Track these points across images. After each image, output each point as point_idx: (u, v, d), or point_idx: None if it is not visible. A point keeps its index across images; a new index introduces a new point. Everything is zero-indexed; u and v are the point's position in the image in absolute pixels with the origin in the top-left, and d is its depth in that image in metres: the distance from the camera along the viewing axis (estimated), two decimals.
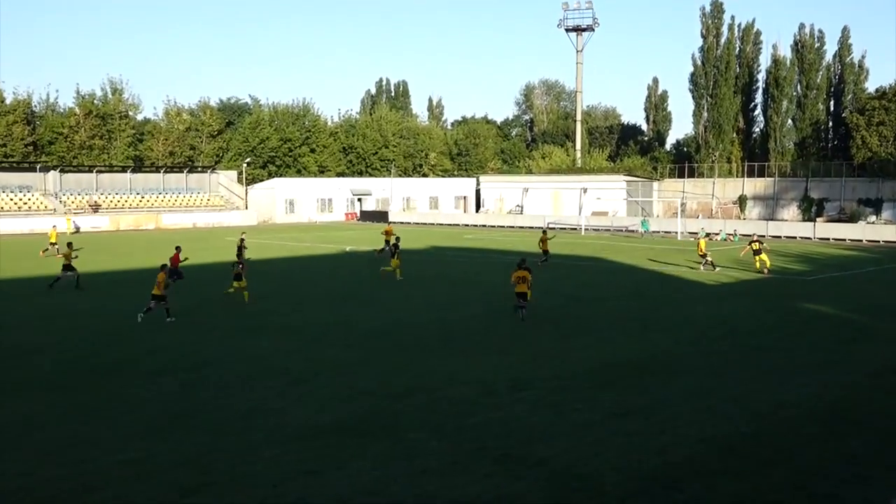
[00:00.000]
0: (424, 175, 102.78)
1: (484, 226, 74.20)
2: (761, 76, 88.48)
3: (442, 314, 23.52)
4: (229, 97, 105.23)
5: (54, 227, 49.19)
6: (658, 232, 59.53)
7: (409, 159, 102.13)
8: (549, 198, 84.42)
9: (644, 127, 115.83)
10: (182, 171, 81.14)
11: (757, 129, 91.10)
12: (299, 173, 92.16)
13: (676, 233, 58.76)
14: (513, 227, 72.86)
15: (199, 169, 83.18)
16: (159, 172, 79.41)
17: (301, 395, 14.70)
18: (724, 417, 13.26)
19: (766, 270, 34.16)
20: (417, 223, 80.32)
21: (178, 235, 60.98)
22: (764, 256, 34.66)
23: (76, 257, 31.59)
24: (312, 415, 13.49)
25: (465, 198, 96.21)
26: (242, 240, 35.53)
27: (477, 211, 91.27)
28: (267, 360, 17.52)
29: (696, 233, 58.76)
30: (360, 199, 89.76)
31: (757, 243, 34.80)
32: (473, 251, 43.57)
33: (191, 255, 37.97)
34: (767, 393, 14.80)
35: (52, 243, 43.84)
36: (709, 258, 35.23)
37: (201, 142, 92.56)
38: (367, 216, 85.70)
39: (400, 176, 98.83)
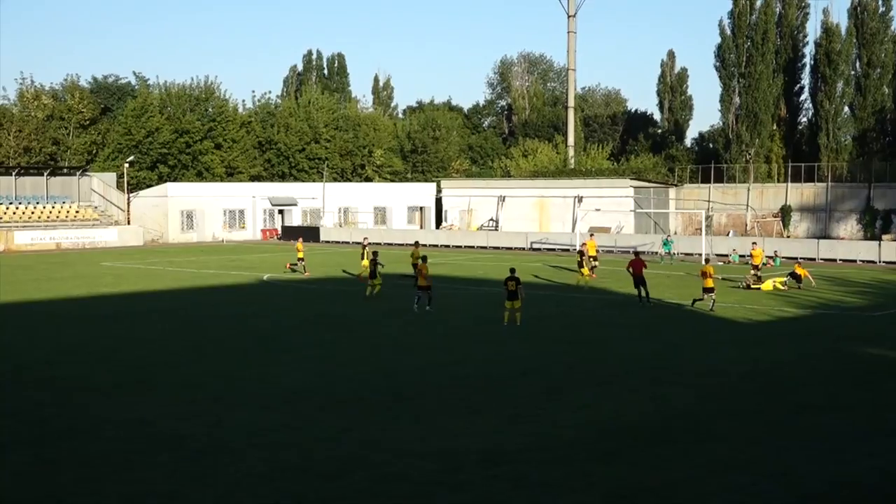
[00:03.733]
0: (368, 179, 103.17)
1: (447, 246, 74.54)
2: (809, 50, 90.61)
3: (390, 363, 23.54)
4: (106, 75, 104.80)
5: None
6: (676, 254, 60.29)
7: (348, 158, 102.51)
8: (533, 209, 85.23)
9: (657, 116, 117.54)
10: (41, 174, 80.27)
11: (804, 120, 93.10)
12: (201, 177, 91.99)
13: (700, 255, 59.46)
14: (485, 247, 73.27)
15: (65, 170, 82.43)
16: (10, 175, 78.46)
17: (201, 475, 14.54)
18: (765, 501, 13.34)
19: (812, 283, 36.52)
20: (358, 243, 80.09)
21: (34, 259, 60.20)
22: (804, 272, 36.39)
23: None
24: (216, 503, 13.34)
25: (421, 209, 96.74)
26: (375, 253, 39.32)
27: (438, 226, 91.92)
28: (154, 427, 17.38)
29: (726, 255, 59.59)
30: (281, 212, 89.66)
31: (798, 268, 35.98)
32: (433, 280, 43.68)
33: (50, 288, 37.48)
34: (820, 466, 14.97)
35: None
36: (748, 279, 35.89)
37: (68, 134, 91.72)
38: (291, 233, 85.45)
39: (335, 180, 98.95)
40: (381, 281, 37.93)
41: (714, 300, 33.92)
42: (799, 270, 41.69)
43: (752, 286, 40.85)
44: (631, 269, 36.22)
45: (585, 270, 42.47)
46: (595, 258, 48.04)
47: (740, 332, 29.31)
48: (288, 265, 50.78)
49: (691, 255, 62.57)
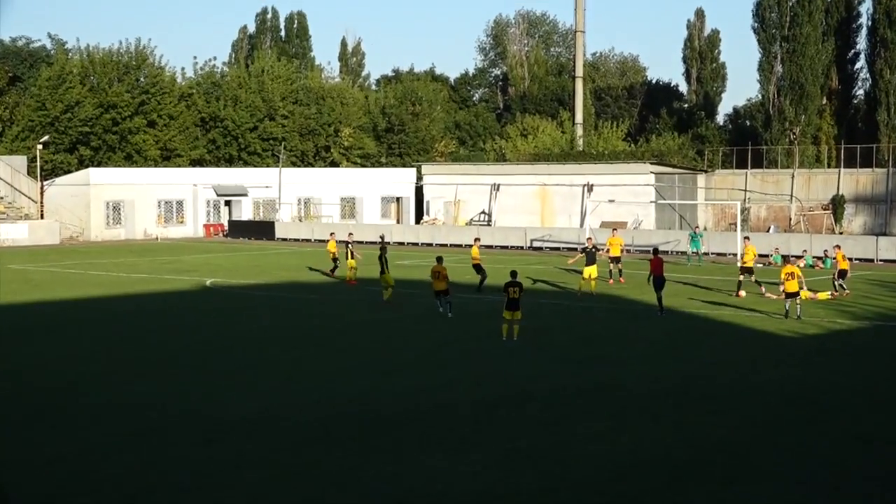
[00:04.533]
0: (334, 163, 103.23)
1: (430, 244, 74.54)
2: (865, 8, 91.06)
3: (364, 385, 23.44)
4: (15, 38, 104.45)
5: None
6: (705, 254, 60.17)
7: (310, 138, 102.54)
8: (534, 200, 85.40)
9: (682, 88, 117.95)
10: None
11: (859, 92, 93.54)
12: (130, 161, 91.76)
13: (734, 255, 59.44)
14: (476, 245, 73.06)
15: None
16: None
17: None
18: None
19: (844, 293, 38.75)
20: (321, 241, 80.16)
21: None
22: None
23: None
24: None
25: (398, 200, 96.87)
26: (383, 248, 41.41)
27: (419, 221, 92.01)
28: (70, 466, 17.18)
29: (766, 255, 59.56)
30: (228, 203, 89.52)
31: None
32: (412, 287, 43.55)
33: None
34: None
35: None
36: (800, 297, 35.62)
37: None
38: (241, 229, 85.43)
39: (294, 165, 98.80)
40: (393, 281, 39.48)
41: (800, 306, 34.51)
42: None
43: (739, 293, 40.81)
44: (651, 275, 36.55)
45: (593, 272, 41.76)
46: (618, 259, 47.94)
47: (783, 348, 29.30)
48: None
49: (724, 255, 62.61)
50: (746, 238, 49.02)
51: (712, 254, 62.74)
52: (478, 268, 44.07)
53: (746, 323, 33.98)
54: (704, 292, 42.91)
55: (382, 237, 50.87)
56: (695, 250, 58.42)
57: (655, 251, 39.26)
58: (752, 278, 42.75)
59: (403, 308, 37.47)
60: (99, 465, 17.26)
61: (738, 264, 44.72)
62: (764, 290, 41.17)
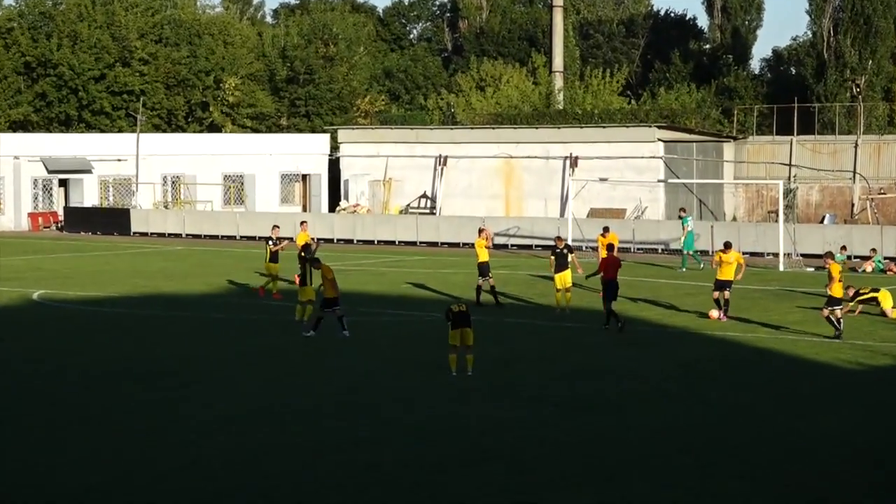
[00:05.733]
0: (214, 127, 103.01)
1: (349, 241, 74.94)
2: None
3: (242, 443, 23.20)
4: None
5: None
6: (703, 252, 60.20)
7: (180, 92, 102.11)
8: (496, 178, 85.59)
9: (702, 22, 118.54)
10: None
11: None
12: None
13: (777, 255, 59.65)
14: (413, 243, 73.75)
15: None
16: None
17: None
18: None
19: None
20: (194, 235, 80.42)
21: None
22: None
23: None
24: None
25: (305, 178, 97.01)
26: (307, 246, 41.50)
27: (333, 208, 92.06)
28: None
29: (829, 254, 59.65)
30: (64, 183, 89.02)
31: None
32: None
33: None
34: None
35: None
36: (839, 313, 35.73)
37: None
38: (82, 220, 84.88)
39: (158, 129, 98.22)
40: (314, 294, 38.77)
41: (839, 319, 35.17)
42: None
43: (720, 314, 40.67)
44: (602, 274, 37.80)
45: (562, 279, 41.81)
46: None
47: (837, 387, 29.49)
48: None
49: (760, 254, 63.12)
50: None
51: (744, 254, 62.82)
52: (483, 268, 44.19)
53: (791, 350, 34.12)
54: (734, 308, 42.86)
55: (314, 239, 49.66)
56: (688, 251, 57.89)
57: (611, 248, 40.44)
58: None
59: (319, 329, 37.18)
60: None
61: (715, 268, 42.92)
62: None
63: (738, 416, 26.00)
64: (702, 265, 56.87)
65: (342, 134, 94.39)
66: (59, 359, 33.51)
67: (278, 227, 50.28)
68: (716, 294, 39.98)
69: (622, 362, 32.75)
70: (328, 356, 33.77)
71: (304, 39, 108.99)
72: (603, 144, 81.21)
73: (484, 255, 44.29)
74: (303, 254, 39.70)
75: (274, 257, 45.85)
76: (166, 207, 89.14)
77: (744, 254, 62.11)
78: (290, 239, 48.96)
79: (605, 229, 52.07)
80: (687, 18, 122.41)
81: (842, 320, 35.63)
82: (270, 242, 46.64)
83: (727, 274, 39.67)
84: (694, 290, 47.59)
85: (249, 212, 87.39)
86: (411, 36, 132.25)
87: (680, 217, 61.18)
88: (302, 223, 52.61)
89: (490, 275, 43.91)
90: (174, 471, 21.18)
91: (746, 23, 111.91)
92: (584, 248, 60.83)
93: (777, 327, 38.31)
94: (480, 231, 46.83)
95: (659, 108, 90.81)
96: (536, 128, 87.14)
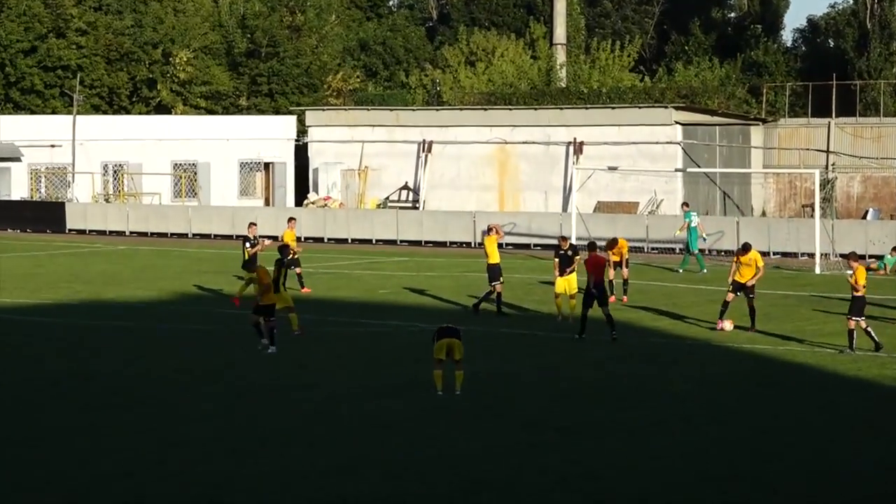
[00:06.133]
0: (163, 108, 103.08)
1: (320, 240, 75.02)
2: None
3: (184, 479, 22.72)
4: None
5: None
6: (705, 252, 59.99)
7: (123, 67, 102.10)
8: (488, 167, 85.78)
9: None
10: None
11: None
12: None
13: (812, 256, 59.41)
14: (394, 241, 73.87)
15: None
16: None
17: None
18: None
19: None
20: (139, 232, 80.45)
21: None
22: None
23: None
24: None
25: (268, 167, 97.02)
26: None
27: (300, 202, 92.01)
28: None
29: (878, 257, 59.30)
30: None
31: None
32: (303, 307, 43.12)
33: None
34: None
35: None
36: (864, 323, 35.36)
37: None
38: (9, 215, 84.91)
39: (97, 111, 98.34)
40: (291, 301, 39.82)
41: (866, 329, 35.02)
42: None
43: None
44: (591, 276, 37.61)
45: (566, 283, 41.61)
46: (623, 263, 48.31)
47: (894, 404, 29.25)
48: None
49: (793, 255, 63.34)
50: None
51: (774, 254, 62.81)
52: (494, 271, 43.83)
53: (829, 366, 33.97)
54: (763, 317, 42.61)
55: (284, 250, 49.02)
56: (693, 250, 57.76)
57: (592, 246, 39.88)
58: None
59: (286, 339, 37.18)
60: None
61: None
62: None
63: (765, 441, 25.83)
64: (704, 270, 56.86)
65: (311, 116, 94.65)
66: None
67: (255, 224, 50.53)
68: (730, 296, 40.00)
69: (633, 380, 32.75)
70: (296, 373, 33.71)
71: (266, 7, 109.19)
72: (612, 128, 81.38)
73: (495, 257, 44.25)
74: (280, 257, 39.84)
75: (251, 261, 44.89)
76: (107, 201, 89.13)
77: (775, 255, 62.56)
78: (275, 238, 48.52)
79: (614, 242, 49.88)
80: None
81: (855, 331, 35.19)
82: (248, 244, 46.42)
83: (746, 276, 39.77)
84: (718, 296, 47.24)
85: (203, 206, 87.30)
86: (391, 2, 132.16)
87: (683, 212, 61.07)
88: (290, 220, 52.80)
89: (502, 279, 43.79)
90: None
91: None
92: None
93: (813, 339, 38.03)
94: (490, 229, 46.26)
95: (676, 86, 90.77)
96: (535, 109, 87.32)
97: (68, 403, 29.77)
